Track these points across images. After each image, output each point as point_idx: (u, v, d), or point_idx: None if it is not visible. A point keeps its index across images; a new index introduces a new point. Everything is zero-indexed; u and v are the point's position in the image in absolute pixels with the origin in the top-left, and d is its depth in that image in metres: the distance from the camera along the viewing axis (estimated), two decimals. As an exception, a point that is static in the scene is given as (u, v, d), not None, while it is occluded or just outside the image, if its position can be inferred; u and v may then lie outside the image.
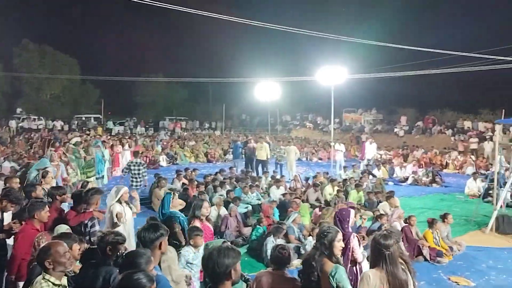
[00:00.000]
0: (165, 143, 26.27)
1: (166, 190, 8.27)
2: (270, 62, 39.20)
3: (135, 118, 42.81)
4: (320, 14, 45.92)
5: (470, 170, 18.71)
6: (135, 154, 13.20)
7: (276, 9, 44.99)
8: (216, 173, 14.27)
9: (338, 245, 3.93)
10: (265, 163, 16.62)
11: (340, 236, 3.98)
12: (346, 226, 4.65)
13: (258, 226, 8.50)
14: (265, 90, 28.48)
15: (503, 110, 20.64)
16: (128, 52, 49.52)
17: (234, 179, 13.32)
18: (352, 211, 4.97)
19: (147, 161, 19.72)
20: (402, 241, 7.41)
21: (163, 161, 21.25)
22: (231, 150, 21.74)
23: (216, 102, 48.73)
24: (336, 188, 12.41)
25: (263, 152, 16.54)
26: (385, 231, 3.61)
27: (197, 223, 5.71)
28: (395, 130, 31.79)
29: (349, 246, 4.48)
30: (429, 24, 43.96)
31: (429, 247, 7.87)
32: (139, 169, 11.70)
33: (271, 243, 7.13)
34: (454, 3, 42.35)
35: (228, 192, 11.18)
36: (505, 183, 10.99)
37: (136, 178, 11.66)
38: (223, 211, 9.52)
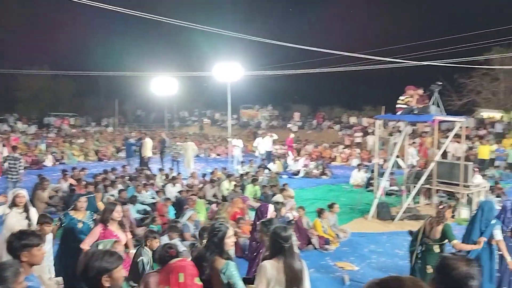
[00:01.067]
0: (50, 141, 24.22)
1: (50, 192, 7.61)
2: (165, 57, 38.14)
3: (16, 114, 38.75)
4: (216, 10, 45.93)
5: (355, 162, 20.21)
6: (13, 148, 12.48)
7: (170, 3, 43.92)
8: (106, 172, 13.51)
9: (229, 241, 3.90)
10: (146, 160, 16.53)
11: (230, 232, 3.95)
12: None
13: (151, 225, 8.20)
14: (161, 85, 27.76)
15: (383, 107, 22.63)
16: (7, 42, 44.60)
17: (127, 177, 12.73)
18: (271, 206, 5.15)
19: (30, 161, 18.04)
20: (294, 231, 7.70)
21: (48, 160, 19.57)
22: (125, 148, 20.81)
23: (108, 97, 46.16)
24: (233, 183, 12.54)
25: (146, 149, 16.42)
26: (283, 224, 3.68)
27: (98, 229, 5.06)
28: (289, 125, 33.15)
29: None
30: (320, 24, 46.55)
31: (318, 235, 8.29)
32: (14, 163, 11.20)
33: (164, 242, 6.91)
34: (344, 6, 45.40)
35: (120, 191, 10.64)
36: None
37: (11, 172, 11.19)
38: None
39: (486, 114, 26.22)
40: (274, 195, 11.46)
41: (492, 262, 5.55)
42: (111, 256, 2.49)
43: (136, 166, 16.64)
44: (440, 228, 5.37)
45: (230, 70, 17.21)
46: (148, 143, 16.80)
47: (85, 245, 4.81)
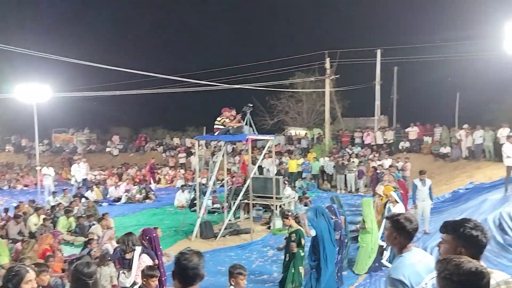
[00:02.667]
0: None
1: None
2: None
3: None
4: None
5: (179, 183, 20.22)
6: None
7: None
8: None
9: (27, 287, 3.36)
10: None
11: (30, 276, 3.40)
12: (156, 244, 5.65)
13: None
14: None
15: (205, 127, 23.36)
16: None
17: None
18: (157, 230, 5.75)
19: None
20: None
21: None
22: None
23: None
24: (42, 216, 11.13)
25: None
26: (86, 260, 3.32)
27: None
28: (108, 149, 31.46)
29: None
30: (142, 46, 46.04)
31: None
32: None
33: None
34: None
35: None
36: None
37: None
38: None
39: (293, 131, 29.46)
40: (91, 226, 10.58)
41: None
42: None
43: None
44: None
45: (35, 91, 15.41)
46: None
47: None
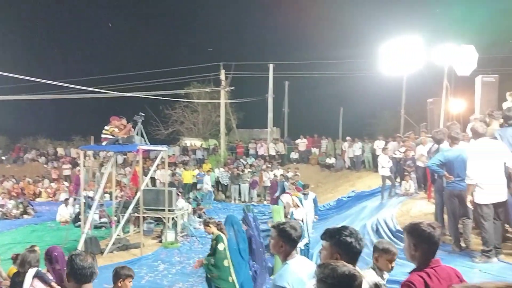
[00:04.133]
0: None
1: None
2: None
3: None
4: None
5: (63, 196, 18.71)
6: None
7: None
8: None
9: None
10: None
11: None
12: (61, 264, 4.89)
13: None
14: None
15: (92, 137, 22.01)
16: None
17: None
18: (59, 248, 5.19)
19: None
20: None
21: None
22: None
23: None
24: None
25: None
26: None
27: None
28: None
29: None
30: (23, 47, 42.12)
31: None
32: None
33: None
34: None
35: None
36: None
37: None
38: None
39: (189, 142, 29.19)
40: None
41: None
42: None
43: None
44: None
45: None
46: None
47: None
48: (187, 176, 19.47)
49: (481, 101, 11.38)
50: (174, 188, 12.91)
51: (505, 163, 5.46)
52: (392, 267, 3.57)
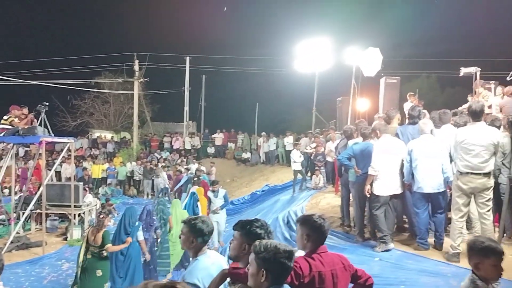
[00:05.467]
0: None
1: None
2: None
3: None
4: None
5: (-48, 192, 16.82)
6: None
7: None
8: None
9: None
10: None
11: None
12: None
13: None
14: None
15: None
16: None
17: None
18: None
19: None
20: None
21: None
22: None
23: None
24: None
25: None
26: None
27: None
28: None
29: None
30: None
31: None
32: None
33: None
34: None
35: None
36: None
37: None
38: None
39: (99, 134, 27.75)
40: None
41: (139, 257, 6.76)
42: None
43: None
44: (100, 234, 6.09)
45: None
46: None
47: None
48: (96, 170, 18.55)
49: (384, 100, 12.25)
50: (81, 183, 12.22)
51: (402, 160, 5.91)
52: (501, 273, 2.45)
